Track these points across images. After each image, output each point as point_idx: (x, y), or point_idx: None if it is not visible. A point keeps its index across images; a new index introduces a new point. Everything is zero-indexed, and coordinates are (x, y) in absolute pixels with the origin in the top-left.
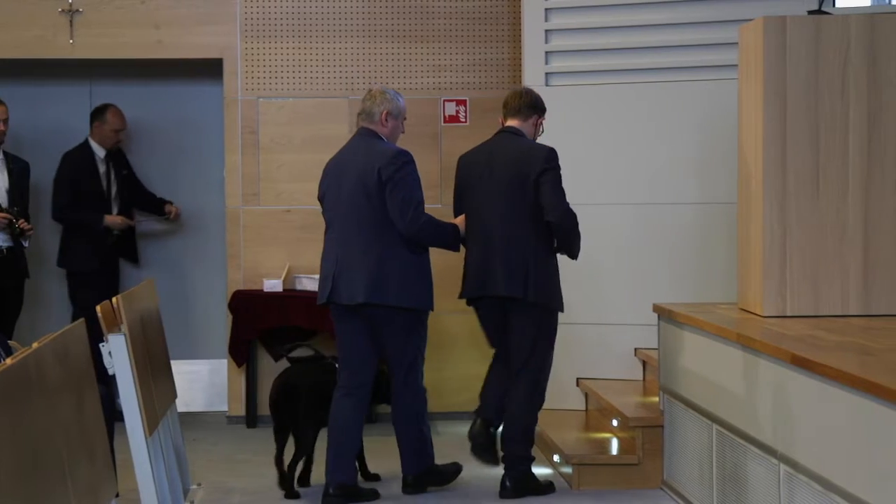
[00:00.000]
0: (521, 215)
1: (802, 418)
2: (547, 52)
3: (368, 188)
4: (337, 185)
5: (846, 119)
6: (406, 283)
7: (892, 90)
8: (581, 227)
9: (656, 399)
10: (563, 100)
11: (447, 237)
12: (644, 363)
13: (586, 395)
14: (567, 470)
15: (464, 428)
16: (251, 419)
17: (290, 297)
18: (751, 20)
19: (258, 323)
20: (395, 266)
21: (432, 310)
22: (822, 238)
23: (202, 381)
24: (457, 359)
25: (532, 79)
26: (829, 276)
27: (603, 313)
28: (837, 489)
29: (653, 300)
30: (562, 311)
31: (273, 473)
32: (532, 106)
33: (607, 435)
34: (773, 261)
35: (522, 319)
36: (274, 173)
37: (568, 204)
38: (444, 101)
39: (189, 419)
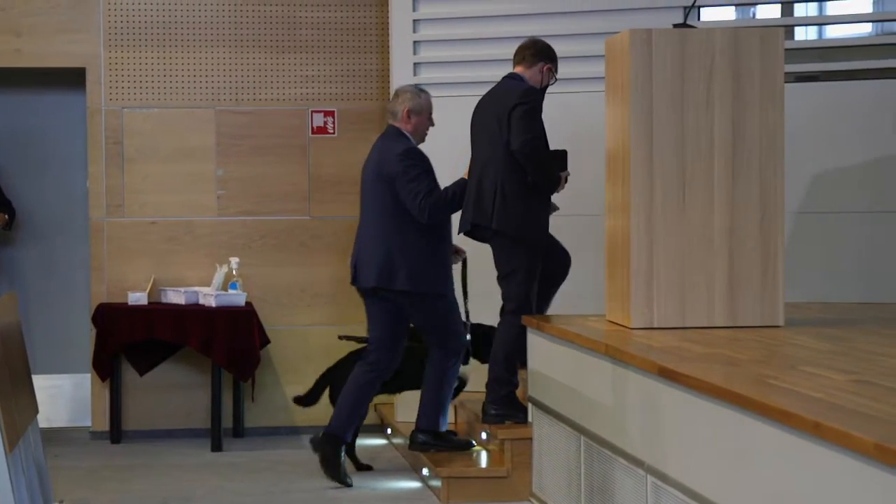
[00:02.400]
0: (498, 155)
1: (669, 430)
2: (416, 63)
3: (381, 182)
4: (364, 179)
5: (711, 131)
6: (415, 269)
7: (756, 103)
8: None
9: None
10: (435, 110)
11: (460, 199)
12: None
13: (455, 408)
14: (436, 483)
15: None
16: (115, 434)
17: (156, 311)
18: (617, 33)
19: (122, 336)
20: (406, 253)
21: (445, 293)
22: (689, 250)
23: (65, 396)
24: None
25: None
26: (696, 287)
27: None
28: (704, 500)
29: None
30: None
31: (137, 488)
32: (537, 53)
33: (476, 448)
34: (641, 273)
35: None
36: (139, 184)
37: (532, 136)
38: (312, 112)
39: (51, 435)
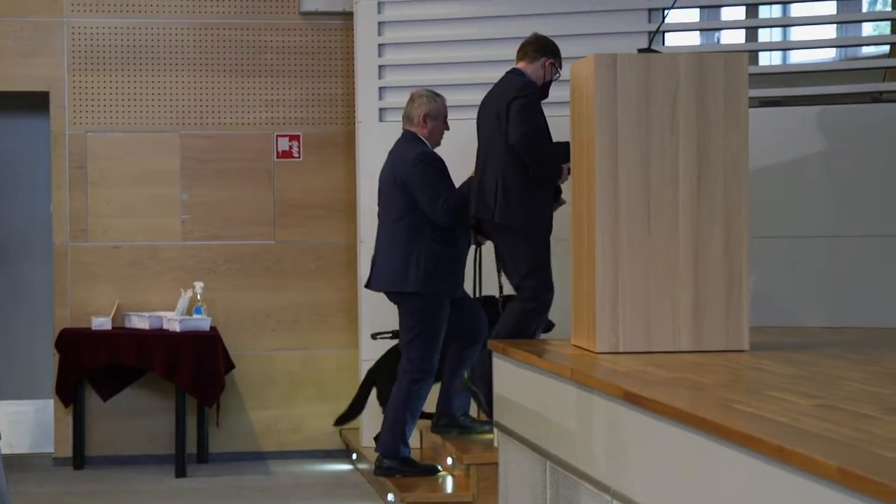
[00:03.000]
0: (498, 149)
1: (635, 454)
2: (381, 88)
3: (396, 187)
4: (380, 185)
5: (676, 155)
6: (427, 273)
7: (720, 127)
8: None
9: (491, 436)
10: (398, 135)
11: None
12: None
13: (420, 433)
14: None
15: (298, 467)
16: (78, 460)
17: (120, 336)
18: (582, 58)
19: (86, 362)
20: (419, 258)
21: (441, 296)
22: (654, 275)
23: (27, 422)
24: (290, 397)
25: (366, 114)
26: (661, 312)
27: None
28: None
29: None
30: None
31: None
32: (539, 49)
33: (442, 473)
34: (606, 297)
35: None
36: (103, 209)
37: (530, 129)
38: (278, 136)
39: (14, 461)
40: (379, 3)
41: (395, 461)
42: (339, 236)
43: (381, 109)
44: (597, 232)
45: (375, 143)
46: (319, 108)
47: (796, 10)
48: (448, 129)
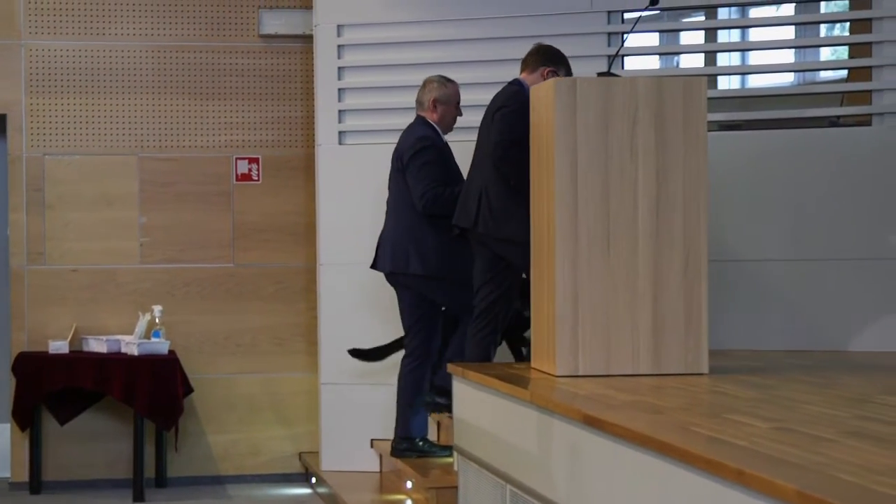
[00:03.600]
0: (485, 160)
1: (595, 477)
2: (341, 111)
3: (397, 169)
4: (390, 169)
5: (636, 179)
6: (427, 254)
7: (679, 150)
8: (373, 288)
9: (450, 459)
10: (358, 158)
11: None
12: (439, 424)
13: (381, 457)
14: None
15: (257, 491)
16: (35, 485)
17: (77, 359)
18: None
19: (43, 386)
20: (420, 239)
21: (442, 278)
22: (614, 297)
23: None
24: (249, 421)
25: (325, 137)
26: (621, 335)
27: (392, 374)
28: None
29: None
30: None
31: None
32: (539, 59)
33: (402, 496)
34: (566, 320)
35: None
36: (60, 232)
37: (506, 137)
38: (237, 159)
39: None
40: (338, 27)
41: (408, 442)
42: (298, 260)
43: (340, 132)
44: (556, 255)
45: (335, 166)
46: (279, 131)
47: (755, 35)
48: (461, 114)
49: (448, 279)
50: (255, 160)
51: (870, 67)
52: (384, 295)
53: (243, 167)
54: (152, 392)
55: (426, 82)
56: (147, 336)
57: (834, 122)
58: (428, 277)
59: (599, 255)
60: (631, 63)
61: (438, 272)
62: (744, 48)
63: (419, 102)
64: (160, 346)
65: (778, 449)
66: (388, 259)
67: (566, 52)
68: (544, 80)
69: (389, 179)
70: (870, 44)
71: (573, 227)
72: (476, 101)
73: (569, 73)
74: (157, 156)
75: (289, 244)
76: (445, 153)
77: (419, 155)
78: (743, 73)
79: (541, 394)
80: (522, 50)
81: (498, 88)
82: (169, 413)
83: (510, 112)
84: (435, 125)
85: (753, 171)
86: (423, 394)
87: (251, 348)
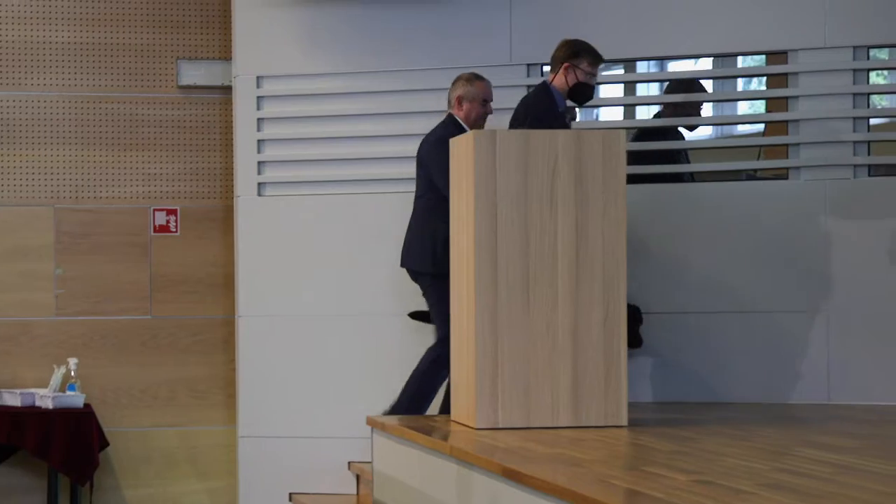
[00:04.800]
0: None
1: None
2: (260, 162)
3: (419, 165)
4: None
5: (555, 231)
6: (438, 252)
7: (598, 203)
8: (293, 341)
9: None
10: (277, 210)
11: None
12: (358, 477)
13: (358, 477)
14: None
15: None
16: None
17: None
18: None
19: None
20: (432, 236)
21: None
22: (533, 350)
23: None
24: (166, 475)
25: (244, 189)
26: (540, 388)
27: (315, 426)
28: None
29: (366, 412)
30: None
31: None
32: (558, 57)
33: None
34: (485, 373)
35: None
36: None
37: None
38: (154, 210)
39: None
40: (258, 78)
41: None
42: (216, 311)
43: (259, 184)
44: (476, 307)
45: (254, 217)
46: (197, 183)
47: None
48: (490, 112)
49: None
50: (174, 211)
51: (786, 121)
52: (303, 345)
53: (161, 218)
54: (67, 446)
55: (455, 80)
56: (62, 389)
57: (751, 175)
58: (441, 276)
59: (519, 308)
60: None
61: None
62: (662, 101)
63: (448, 100)
64: (75, 399)
65: (697, 502)
66: (408, 256)
67: None
68: (565, 77)
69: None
70: (786, 98)
71: (493, 279)
72: (397, 153)
73: (593, 62)
74: (74, 207)
75: (207, 296)
76: None
77: (436, 153)
78: (662, 127)
79: (460, 447)
80: (443, 102)
81: (419, 139)
82: (84, 467)
83: (518, 122)
84: (462, 122)
85: (670, 223)
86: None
87: (168, 401)
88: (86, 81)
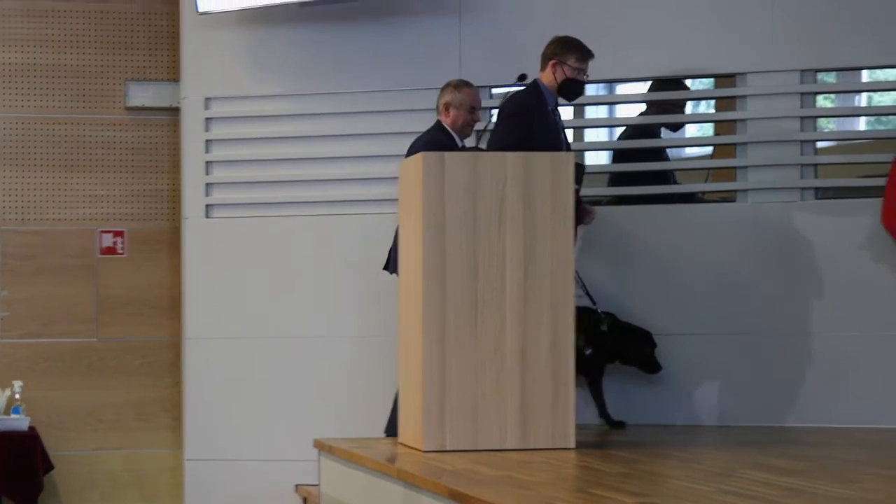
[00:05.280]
0: None
1: None
2: (208, 184)
3: None
4: None
5: (503, 254)
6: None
7: (546, 225)
8: (240, 363)
9: None
10: (226, 232)
11: None
12: (305, 500)
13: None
14: None
15: None
16: None
17: None
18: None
19: None
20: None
21: None
22: (481, 372)
23: None
24: (112, 499)
25: (193, 210)
26: (488, 410)
27: (262, 449)
28: None
29: (314, 435)
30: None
31: None
32: (545, 55)
33: None
34: (433, 395)
35: None
36: None
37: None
38: (101, 232)
39: None
40: (206, 100)
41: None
42: (163, 334)
43: (207, 205)
44: (424, 330)
45: (202, 239)
46: (145, 204)
47: (622, 111)
48: (478, 119)
49: None
50: (121, 233)
51: (734, 144)
52: (250, 368)
53: (108, 240)
54: (11, 469)
55: (443, 86)
56: (6, 412)
57: (699, 198)
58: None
59: (467, 331)
60: None
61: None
62: (611, 124)
63: (436, 107)
64: (20, 422)
65: None
66: (392, 261)
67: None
68: (553, 73)
69: None
70: (734, 121)
71: (441, 302)
72: (346, 174)
73: (582, 58)
74: (20, 229)
75: (154, 318)
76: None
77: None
78: (610, 149)
79: (407, 469)
80: (392, 124)
81: (369, 161)
82: (28, 491)
83: (503, 118)
84: (449, 128)
85: (619, 245)
86: None
87: (114, 424)
88: (32, 103)
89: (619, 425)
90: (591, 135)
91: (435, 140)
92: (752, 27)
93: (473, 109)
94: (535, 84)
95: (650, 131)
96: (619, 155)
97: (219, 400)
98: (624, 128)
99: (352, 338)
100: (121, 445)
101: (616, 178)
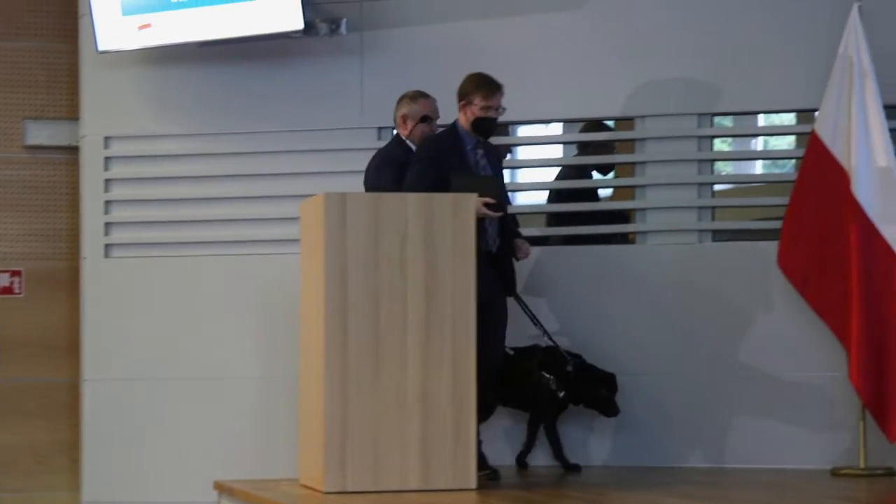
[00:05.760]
0: None
1: None
2: (107, 223)
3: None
4: None
5: (405, 294)
6: None
7: (448, 265)
8: (139, 404)
9: None
10: (126, 272)
11: None
12: None
13: None
14: None
15: None
16: None
17: None
18: (311, 196)
19: None
20: None
21: None
22: (383, 412)
23: None
24: None
25: (91, 250)
26: (389, 450)
27: (161, 491)
28: None
29: (214, 477)
30: None
31: None
32: (458, 94)
33: None
34: (334, 436)
35: None
36: None
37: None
38: None
39: None
40: (105, 139)
41: None
42: (61, 375)
43: (106, 245)
44: (325, 370)
45: (101, 279)
46: (43, 244)
47: (522, 153)
48: (434, 130)
49: None
50: (18, 273)
51: (633, 187)
52: (150, 409)
53: (4, 280)
54: None
55: (399, 98)
56: None
57: (623, 238)
58: None
59: (369, 371)
60: None
61: None
62: (512, 166)
63: (393, 119)
64: None
65: None
66: None
67: (334, 167)
68: (465, 114)
69: None
70: (633, 164)
71: (342, 342)
72: (246, 214)
73: (486, 95)
74: None
75: (52, 359)
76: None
77: (381, 166)
78: (510, 191)
79: None
80: (293, 164)
81: (271, 201)
82: None
83: (413, 163)
84: (406, 140)
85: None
86: None
87: (10, 466)
88: None
89: (574, 468)
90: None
91: (390, 157)
92: (651, 71)
93: (430, 119)
94: (454, 125)
95: (583, 173)
96: (554, 196)
97: (118, 442)
98: (560, 168)
99: (253, 378)
100: (18, 488)
101: (554, 218)
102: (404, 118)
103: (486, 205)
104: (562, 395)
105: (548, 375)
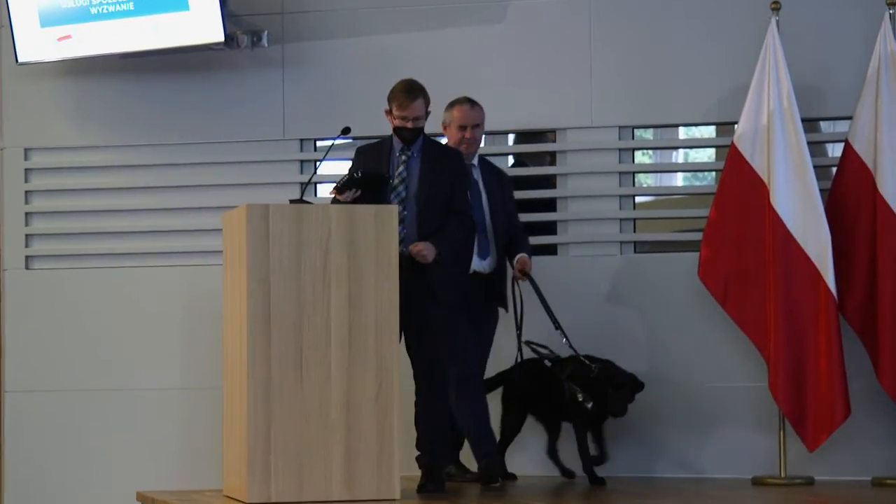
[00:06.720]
0: None
1: None
2: (28, 235)
3: None
4: None
5: (328, 305)
6: None
7: (371, 277)
8: (62, 416)
9: None
10: (46, 284)
11: None
12: None
13: None
14: None
15: None
16: None
17: None
18: (234, 207)
19: None
20: None
21: None
22: (307, 424)
23: None
24: None
25: (12, 262)
26: (313, 461)
27: (80, 502)
28: None
29: (137, 488)
30: None
31: None
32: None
33: None
34: (257, 447)
35: None
36: None
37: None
38: None
39: None
40: (26, 150)
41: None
42: None
43: (27, 257)
44: (249, 381)
45: (22, 290)
46: None
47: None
48: (469, 136)
49: None
50: None
51: (554, 199)
52: (73, 421)
53: None
54: None
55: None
56: None
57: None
58: None
59: (292, 382)
60: (324, 190)
61: None
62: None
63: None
64: None
65: None
66: None
67: (258, 178)
68: (390, 122)
69: None
70: (554, 176)
71: (266, 353)
72: (168, 226)
73: (401, 105)
74: None
75: None
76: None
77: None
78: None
79: None
80: (215, 176)
81: (193, 213)
82: None
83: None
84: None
85: None
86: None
87: None
88: None
89: (600, 482)
90: None
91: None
92: (572, 83)
93: (462, 128)
94: (392, 133)
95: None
96: None
97: (40, 453)
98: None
99: (176, 389)
100: None
101: None
102: (444, 126)
103: (355, 195)
104: (590, 405)
105: (575, 386)
